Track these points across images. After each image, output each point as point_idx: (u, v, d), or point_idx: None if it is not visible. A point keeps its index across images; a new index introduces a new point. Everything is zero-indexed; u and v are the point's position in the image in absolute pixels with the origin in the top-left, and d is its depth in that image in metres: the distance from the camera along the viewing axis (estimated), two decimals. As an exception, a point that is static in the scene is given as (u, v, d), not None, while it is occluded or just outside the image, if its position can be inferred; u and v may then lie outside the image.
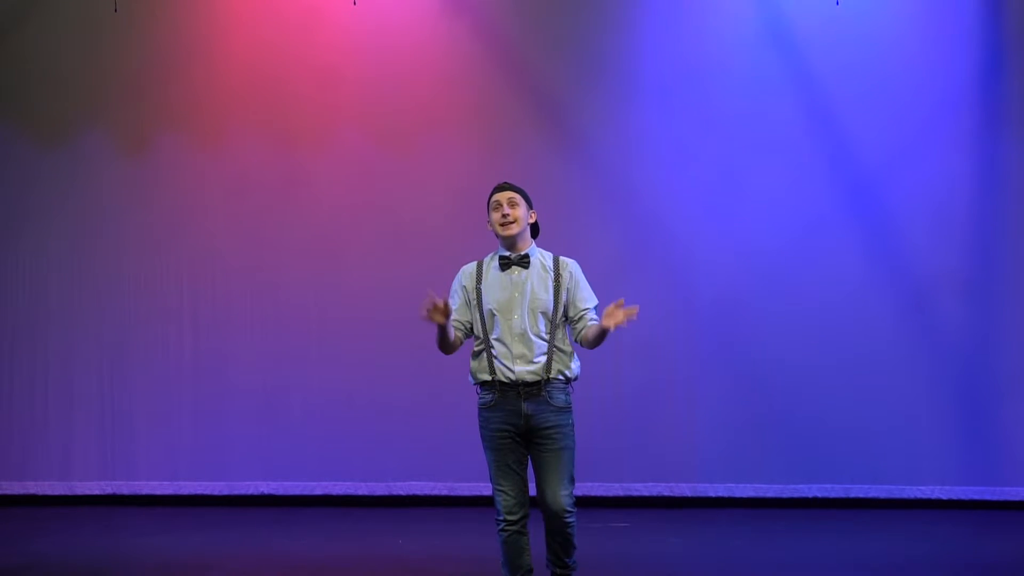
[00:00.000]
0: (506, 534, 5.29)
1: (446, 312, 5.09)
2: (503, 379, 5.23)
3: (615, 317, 5.07)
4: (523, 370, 5.21)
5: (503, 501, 5.27)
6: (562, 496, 5.23)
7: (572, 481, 5.29)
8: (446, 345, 5.30)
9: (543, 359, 5.23)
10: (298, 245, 8.98)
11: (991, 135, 8.87)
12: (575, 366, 5.35)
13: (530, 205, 5.44)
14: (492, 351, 5.25)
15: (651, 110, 8.94)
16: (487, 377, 5.27)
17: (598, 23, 8.94)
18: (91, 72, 9.02)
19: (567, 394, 5.31)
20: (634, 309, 5.07)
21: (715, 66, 8.91)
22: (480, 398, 5.33)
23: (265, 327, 8.96)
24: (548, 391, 5.23)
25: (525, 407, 5.21)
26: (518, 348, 5.22)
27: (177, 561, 7.12)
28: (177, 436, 8.97)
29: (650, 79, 8.94)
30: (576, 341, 5.36)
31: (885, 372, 8.81)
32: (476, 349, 5.35)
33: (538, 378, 5.22)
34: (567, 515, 5.25)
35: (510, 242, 5.37)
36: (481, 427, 5.32)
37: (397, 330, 8.83)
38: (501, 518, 5.28)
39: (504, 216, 5.35)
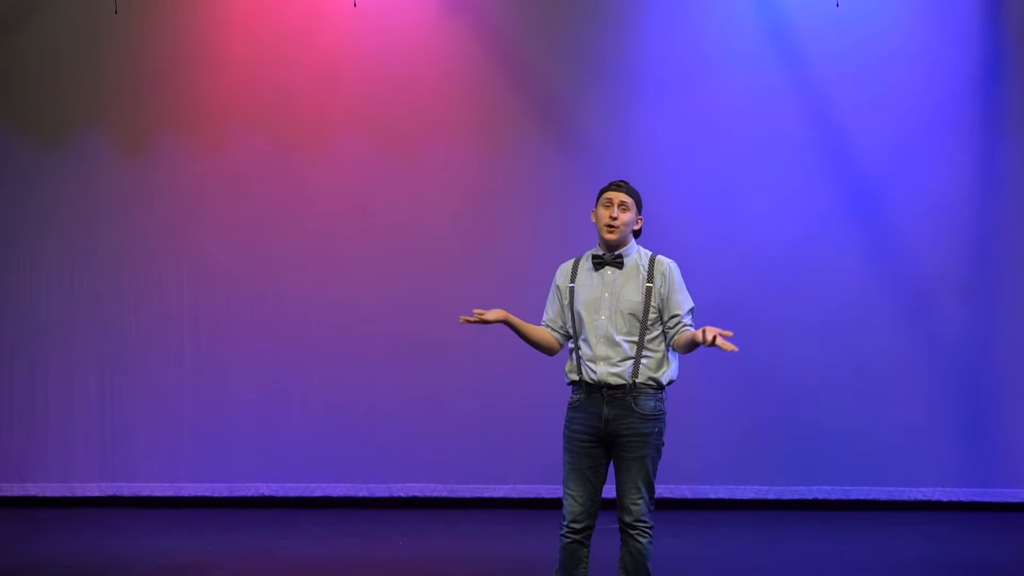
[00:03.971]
0: (567, 540, 5.11)
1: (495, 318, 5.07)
2: (588, 380, 5.09)
3: (711, 332, 4.89)
4: (606, 371, 5.05)
5: (570, 506, 5.10)
6: (633, 504, 5.03)
7: (650, 492, 5.07)
8: (537, 346, 5.26)
9: (630, 362, 5.07)
10: (298, 247, 8.96)
11: (991, 136, 8.87)
12: (669, 371, 5.17)
13: (639, 210, 5.31)
14: (579, 352, 5.14)
15: (651, 111, 8.94)
16: (575, 377, 5.15)
17: (598, 23, 8.93)
18: (91, 74, 9.00)
19: (658, 400, 5.10)
20: (729, 346, 4.91)
21: (715, 67, 8.90)
22: (570, 398, 5.20)
23: (265, 328, 8.94)
24: (634, 396, 5.06)
25: (606, 411, 5.05)
26: (601, 350, 5.06)
27: (177, 563, 7.12)
28: (177, 438, 8.95)
29: (650, 80, 8.94)
30: (670, 346, 5.19)
31: (885, 374, 8.81)
32: (570, 348, 5.24)
33: (623, 382, 5.04)
34: (641, 525, 5.03)
35: (610, 243, 5.24)
36: (564, 427, 5.18)
37: (397, 332, 8.83)
38: (565, 523, 5.11)
39: (612, 219, 5.21)
